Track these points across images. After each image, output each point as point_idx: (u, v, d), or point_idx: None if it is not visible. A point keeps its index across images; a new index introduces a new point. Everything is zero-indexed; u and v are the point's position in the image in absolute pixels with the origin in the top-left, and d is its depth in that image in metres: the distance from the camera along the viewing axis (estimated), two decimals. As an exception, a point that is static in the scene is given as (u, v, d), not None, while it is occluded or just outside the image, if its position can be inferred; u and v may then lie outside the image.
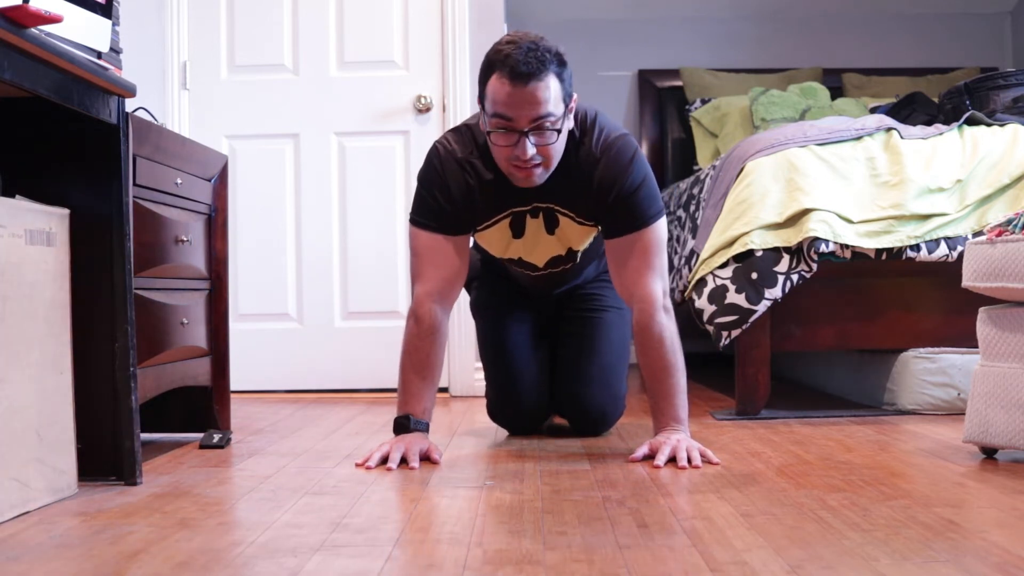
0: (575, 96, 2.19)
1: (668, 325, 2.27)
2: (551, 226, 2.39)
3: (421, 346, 2.30)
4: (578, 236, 2.43)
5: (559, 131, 2.15)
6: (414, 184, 4.02)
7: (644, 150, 5.22)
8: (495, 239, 2.45)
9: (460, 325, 3.62)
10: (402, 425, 2.29)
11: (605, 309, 2.69)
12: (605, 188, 2.26)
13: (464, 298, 3.26)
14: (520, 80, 2.07)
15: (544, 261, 2.50)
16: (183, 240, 2.43)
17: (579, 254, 2.49)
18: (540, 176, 2.21)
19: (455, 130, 2.37)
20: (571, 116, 2.20)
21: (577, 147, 2.27)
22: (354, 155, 3.80)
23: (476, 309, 2.82)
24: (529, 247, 2.45)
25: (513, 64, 2.07)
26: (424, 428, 2.31)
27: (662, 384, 2.26)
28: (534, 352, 2.66)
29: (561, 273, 2.57)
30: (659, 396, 2.27)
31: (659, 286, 2.29)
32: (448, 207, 2.31)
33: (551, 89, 2.10)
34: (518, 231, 2.40)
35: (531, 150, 2.13)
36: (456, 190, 2.30)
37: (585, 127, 2.28)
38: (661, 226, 2.31)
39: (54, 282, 1.88)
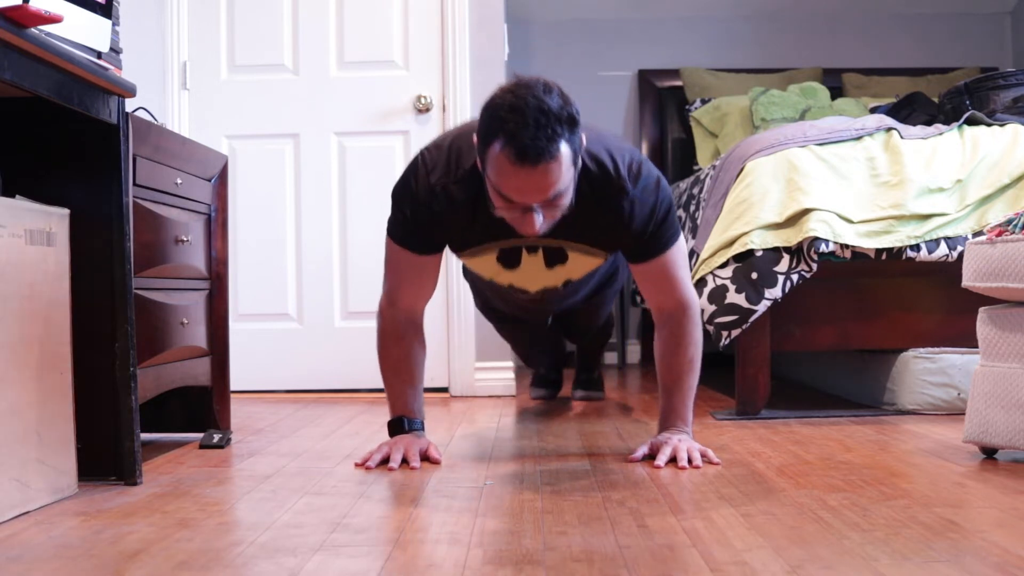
0: (584, 141, 1.98)
1: (695, 332, 2.26)
2: (554, 261, 2.27)
3: (393, 351, 2.30)
4: (583, 268, 2.33)
5: (570, 199, 1.97)
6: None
7: (644, 150, 5.22)
8: (481, 267, 2.33)
9: (459, 325, 3.62)
10: (398, 427, 2.29)
11: (601, 294, 2.76)
12: (639, 219, 2.11)
13: (461, 299, 3.26)
14: (527, 161, 1.83)
15: (537, 288, 2.42)
16: (183, 240, 2.43)
17: (576, 282, 2.43)
18: (545, 230, 2.01)
19: (440, 146, 2.16)
20: (580, 162, 1.98)
21: (594, 179, 2.08)
22: (354, 155, 3.80)
23: (477, 307, 2.87)
24: (523, 277, 2.35)
25: (520, 143, 1.82)
26: (420, 427, 2.31)
27: (678, 384, 2.27)
28: (539, 334, 2.71)
29: (557, 296, 2.51)
30: (672, 395, 2.27)
31: (689, 295, 2.26)
32: (418, 229, 2.18)
33: (562, 163, 1.87)
34: (510, 263, 2.28)
35: (539, 221, 1.94)
36: (427, 216, 2.15)
37: (598, 158, 2.09)
38: (683, 240, 2.27)
39: (54, 282, 1.88)
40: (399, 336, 2.30)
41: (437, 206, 2.13)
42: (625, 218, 2.11)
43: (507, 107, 1.85)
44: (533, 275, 2.33)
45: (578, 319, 3.09)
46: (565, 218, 2.04)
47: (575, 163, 1.93)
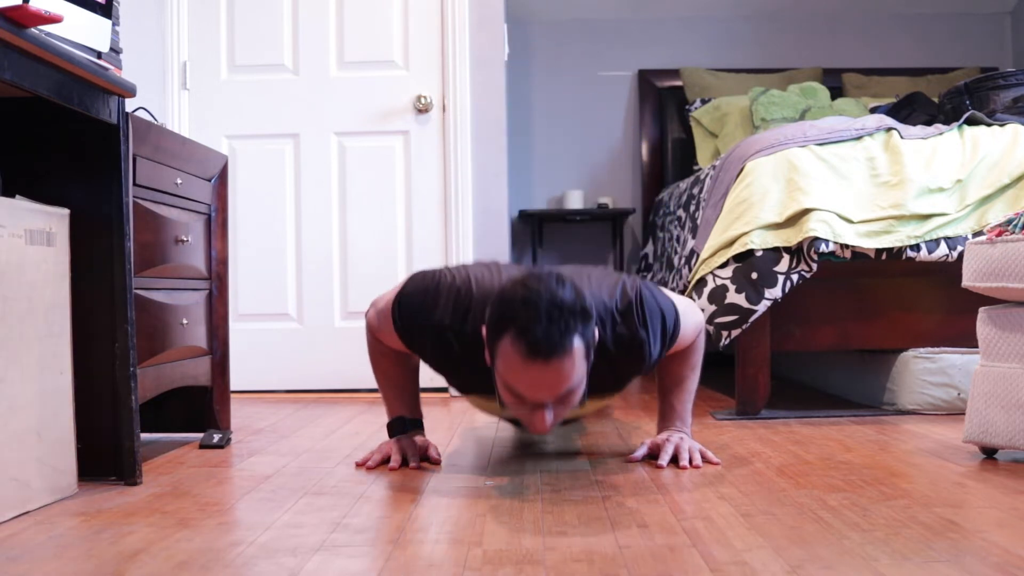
0: (597, 336, 1.88)
1: (699, 340, 2.26)
2: (567, 421, 2.21)
3: (383, 361, 2.28)
4: (594, 408, 2.28)
5: (584, 394, 1.88)
6: (414, 184, 4.02)
7: (644, 150, 5.22)
8: (482, 405, 2.27)
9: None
10: (397, 427, 2.29)
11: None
12: (657, 350, 2.06)
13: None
14: (540, 356, 1.75)
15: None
16: (183, 240, 2.43)
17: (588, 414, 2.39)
18: (555, 425, 1.91)
19: (454, 293, 2.01)
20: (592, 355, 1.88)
21: (608, 344, 2.00)
22: (354, 155, 3.80)
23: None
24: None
25: (532, 338, 1.74)
26: (419, 427, 2.31)
27: (679, 386, 2.27)
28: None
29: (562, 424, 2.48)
30: (672, 396, 2.27)
31: (696, 326, 2.21)
32: (421, 345, 2.08)
33: (575, 359, 1.78)
34: (517, 422, 2.22)
35: (551, 418, 1.85)
36: (435, 347, 2.05)
37: (606, 318, 2.00)
38: (683, 305, 2.18)
39: (54, 282, 1.88)
40: (385, 351, 2.27)
41: (438, 344, 2.04)
42: (648, 361, 2.06)
43: (520, 300, 1.78)
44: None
45: None
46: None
47: (587, 357, 1.84)
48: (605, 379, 2.08)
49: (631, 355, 2.05)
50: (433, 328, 2.03)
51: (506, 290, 1.83)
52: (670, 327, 2.08)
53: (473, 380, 2.10)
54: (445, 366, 2.13)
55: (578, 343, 1.78)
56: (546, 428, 1.86)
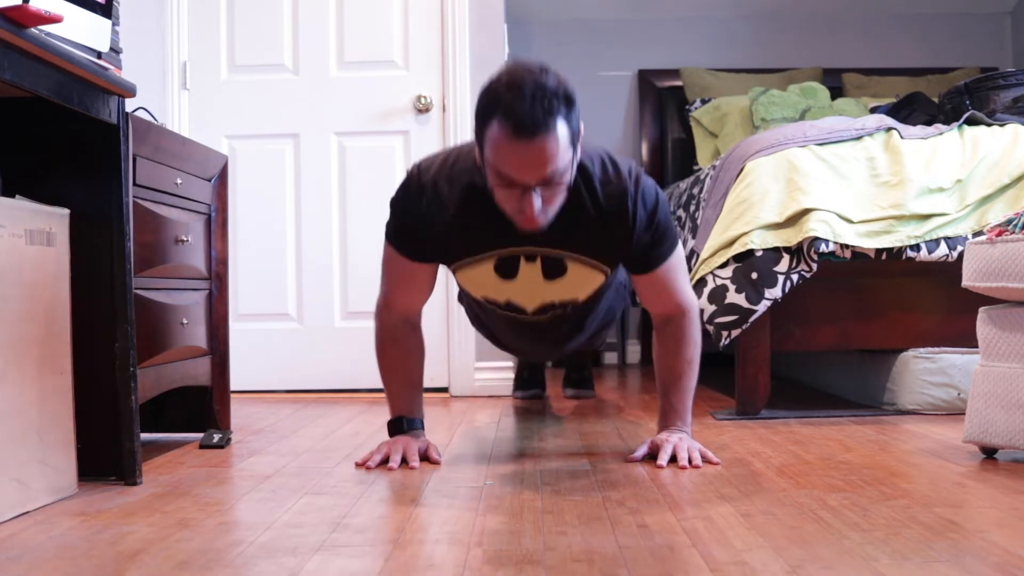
0: (582, 130, 1.98)
1: (695, 333, 2.26)
2: (553, 273, 2.20)
3: (390, 352, 2.31)
4: (584, 284, 2.24)
5: (569, 182, 1.97)
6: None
7: (644, 150, 5.22)
8: (478, 280, 2.24)
9: (459, 325, 3.62)
10: (397, 426, 2.29)
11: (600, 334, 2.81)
12: (642, 221, 2.10)
13: (454, 298, 3.24)
14: (525, 135, 1.84)
15: (535, 305, 2.30)
16: (183, 240, 2.43)
17: (579, 304, 2.33)
18: (546, 221, 1.99)
19: (440, 154, 2.18)
20: (579, 152, 2.00)
21: (598, 180, 2.08)
22: (354, 155, 3.80)
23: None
24: (520, 290, 2.25)
25: (517, 116, 1.83)
26: (420, 427, 2.31)
27: (677, 384, 2.26)
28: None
29: (558, 327, 2.45)
30: (671, 395, 2.27)
31: (689, 299, 2.26)
32: (415, 236, 2.17)
33: (560, 140, 1.86)
34: (507, 272, 2.20)
35: (538, 204, 1.93)
36: (424, 224, 2.13)
37: (602, 160, 2.11)
38: (681, 246, 2.26)
39: (54, 282, 1.88)
40: (396, 338, 2.30)
41: (431, 207, 2.11)
42: (630, 219, 2.09)
43: (504, 84, 1.87)
44: (531, 288, 2.23)
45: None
46: (565, 226, 2.04)
47: (573, 145, 1.92)
48: (592, 234, 2.11)
49: (614, 206, 2.08)
50: (426, 191, 2.11)
51: (492, 80, 1.92)
52: (660, 207, 2.13)
53: (473, 233, 2.12)
54: (448, 235, 2.13)
55: (562, 127, 1.87)
56: (534, 212, 1.92)
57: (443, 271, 2.33)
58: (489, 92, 1.91)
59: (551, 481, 2.01)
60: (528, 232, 2.04)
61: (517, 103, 1.83)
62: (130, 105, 2.12)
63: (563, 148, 1.88)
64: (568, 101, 1.89)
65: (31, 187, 1.95)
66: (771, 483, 1.96)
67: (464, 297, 2.69)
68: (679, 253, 2.23)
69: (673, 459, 2.16)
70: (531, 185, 1.91)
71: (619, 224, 2.10)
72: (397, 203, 2.19)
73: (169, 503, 1.85)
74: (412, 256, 2.22)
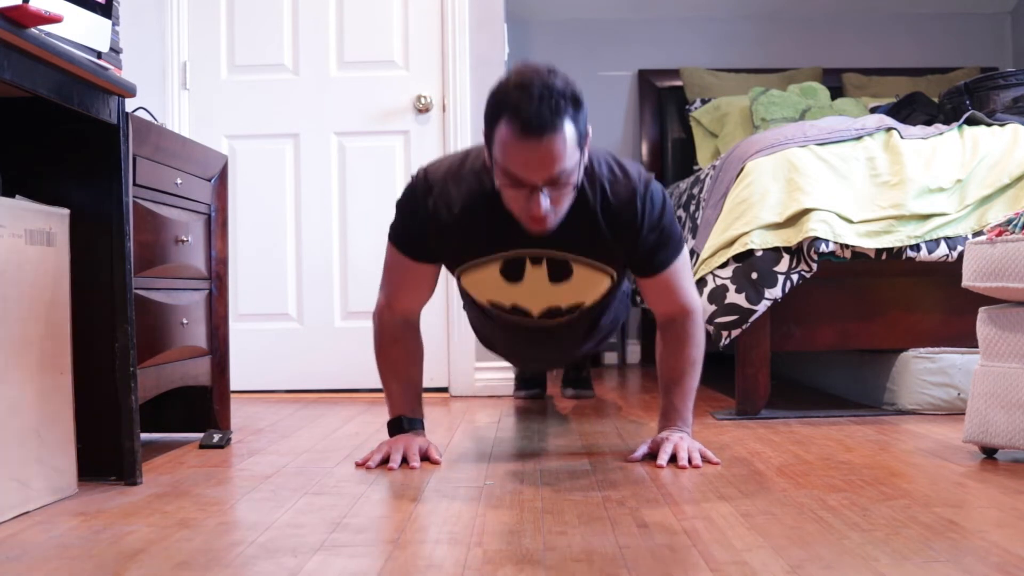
0: (590, 132, 2.00)
1: (698, 333, 2.26)
2: (559, 276, 2.19)
3: (390, 352, 2.31)
4: (590, 288, 2.24)
5: (576, 183, 1.98)
6: (414, 184, 3.98)
7: (644, 150, 5.22)
8: (483, 282, 2.24)
9: (459, 325, 3.62)
10: (397, 426, 2.29)
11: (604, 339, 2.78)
12: (649, 222, 2.11)
13: (454, 298, 3.25)
14: (532, 134, 1.85)
15: (541, 308, 2.30)
16: (183, 240, 2.43)
17: (585, 310, 2.33)
18: (554, 222, 2.00)
19: (447, 157, 2.20)
20: (586, 154, 2.01)
21: (602, 185, 2.09)
22: (354, 155, 3.80)
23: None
24: (526, 293, 2.25)
25: (524, 116, 1.85)
26: (420, 427, 2.31)
27: (679, 384, 2.27)
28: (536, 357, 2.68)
29: (563, 333, 2.44)
30: (672, 394, 2.27)
31: (693, 300, 2.26)
32: (420, 235, 2.18)
33: (567, 140, 1.88)
34: (513, 275, 2.20)
35: (545, 204, 1.93)
36: (430, 222, 2.14)
37: (609, 163, 2.12)
38: (686, 248, 2.26)
39: (54, 282, 1.88)
40: (396, 338, 2.30)
41: (437, 206, 2.12)
42: (638, 219, 2.10)
43: (512, 85, 1.90)
44: (537, 291, 2.23)
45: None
46: (571, 228, 2.04)
47: (580, 146, 1.94)
48: (598, 236, 2.12)
49: (623, 206, 2.09)
50: (432, 192, 2.12)
51: (500, 81, 1.94)
52: (667, 210, 2.13)
53: (479, 235, 2.12)
54: (451, 237, 2.14)
55: (569, 127, 1.88)
56: (542, 216, 1.94)
57: (444, 273, 2.32)
58: (497, 93, 1.93)
59: (551, 481, 2.01)
60: (535, 234, 2.04)
61: (525, 103, 1.85)
62: (130, 105, 2.12)
63: (570, 148, 1.90)
64: (576, 102, 1.90)
65: (31, 187, 1.95)
66: (771, 483, 1.96)
67: (469, 308, 2.68)
68: (684, 256, 2.23)
69: (673, 459, 2.16)
70: (538, 185, 1.92)
71: (626, 224, 2.11)
72: (403, 203, 2.21)
73: (169, 503, 1.85)
74: (415, 256, 2.22)
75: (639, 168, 2.16)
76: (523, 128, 1.86)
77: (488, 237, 2.13)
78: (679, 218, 3.73)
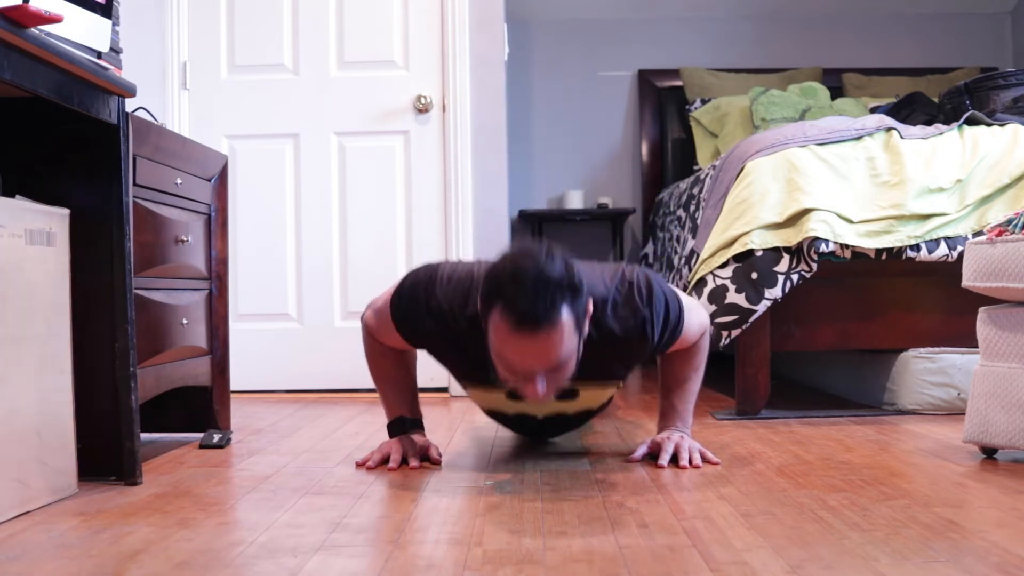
0: (590, 309, 1.90)
1: (703, 342, 2.26)
2: (566, 396, 2.18)
3: (380, 362, 2.29)
4: (597, 399, 2.28)
5: (574, 365, 1.89)
6: (414, 184, 4.01)
7: (644, 150, 5.22)
8: (487, 399, 2.26)
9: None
10: (397, 427, 2.29)
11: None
12: (660, 335, 2.07)
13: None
14: (527, 328, 1.77)
15: (545, 415, 2.33)
16: (183, 240, 2.43)
17: (593, 411, 2.37)
18: (553, 394, 1.92)
19: (453, 276, 2.06)
20: (587, 327, 1.91)
21: (611, 330, 2.02)
22: (354, 155, 3.80)
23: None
24: (531, 407, 2.28)
25: (520, 310, 1.76)
26: (419, 427, 2.31)
27: (681, 387, 2.27)
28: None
29: (565, 423, 2.43)
30: (673, 395, 2.27)
31: (701, 327, 2.23)
32: (420, 336, 2.12)
33: (564, 331, 1.79)
34: (519, 396, 2.13)
35: (542, 388, 1.86)
36: (431, 338, 2.10)
37: (615, 303, 2.03)
38: (686, 302, 2.17)
39: (54, 282, 1.88)
40: (383, 352, 2.28)
41: (441, 329, 2.06)
42: (651, 341, 2.07)
43: (508, 274, 1.81)
44: (542, 406, 2.26)
45: None
46: (580, 367, 1.95)
47: (578, 329, 1.85)
48: (609, 363, 2.10)
49: (633, 335, 2.05)
50: (433, 313, 2.05)
51: (496, 265, 1.85)
52: (674, 314, 2.08)
53: (476, 366, 2.08)
54: (446, 353, 2.14)
55: (567, 315, 1.79)
56: (539, 396, 1.86)
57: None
58: (493, 278, 1.84)
59: (551, 481, 2.01)
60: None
61: (519, 296, 1.77)
62: (130, 105, 2.12)
63: (567, 336, 1.81)
64: (573, 288, 1.81)
65: (31, 187, 1.95)
66: (771, 483, 1.96)
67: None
68: (686, 307, 2.15)
69: (673, 459, 2.16)
70: (535, 373, 1.85)
71: (638, 347, 2.08)
72: (406, 304, 2.10)
73: (169, 503, 1.85)
74: (411, 343, 2.18)
75: (638, 279, 2.06)
76: (518, 322, 1.77)
77: (491, 375, 1.99)
78: (679, 218, 3.74)
